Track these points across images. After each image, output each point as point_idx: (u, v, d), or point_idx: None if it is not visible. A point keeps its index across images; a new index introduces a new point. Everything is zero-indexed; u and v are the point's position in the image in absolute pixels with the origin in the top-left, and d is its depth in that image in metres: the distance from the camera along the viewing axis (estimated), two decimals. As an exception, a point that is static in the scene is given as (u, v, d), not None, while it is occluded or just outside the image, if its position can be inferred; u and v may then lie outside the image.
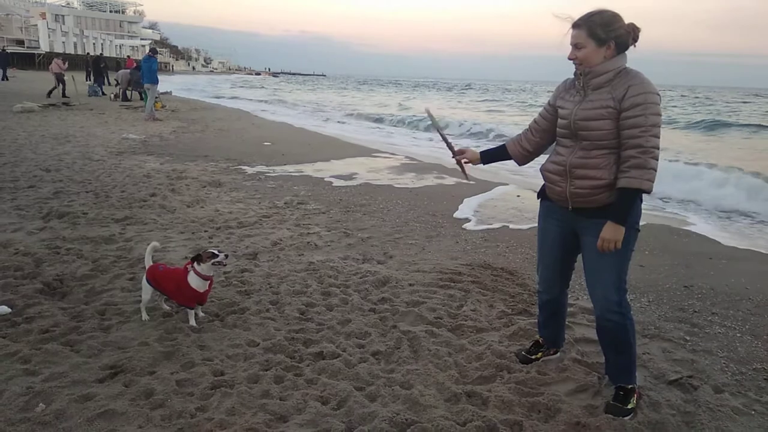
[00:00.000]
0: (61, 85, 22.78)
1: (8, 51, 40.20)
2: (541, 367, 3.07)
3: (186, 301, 3.43)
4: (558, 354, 3.20)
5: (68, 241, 4.92)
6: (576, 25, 2.50)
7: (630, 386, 2.71)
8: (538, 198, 2.95)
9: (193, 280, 3.35)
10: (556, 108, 2.73)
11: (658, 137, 2.38)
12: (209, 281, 3.44)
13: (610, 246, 2.47)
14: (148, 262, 3.53)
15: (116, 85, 23.06)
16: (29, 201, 6.22)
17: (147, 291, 3.47)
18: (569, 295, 3.63)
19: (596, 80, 2.49)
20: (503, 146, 3.04)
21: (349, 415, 2.58)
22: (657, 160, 2.38)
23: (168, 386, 2.73)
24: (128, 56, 38.82)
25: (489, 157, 3.07)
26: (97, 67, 27.37)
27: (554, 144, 2.82)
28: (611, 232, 2.45)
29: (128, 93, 22.62)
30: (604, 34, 2.43)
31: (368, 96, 45.54)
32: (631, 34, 2.47)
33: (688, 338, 3.59)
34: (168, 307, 3.64)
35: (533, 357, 3.14)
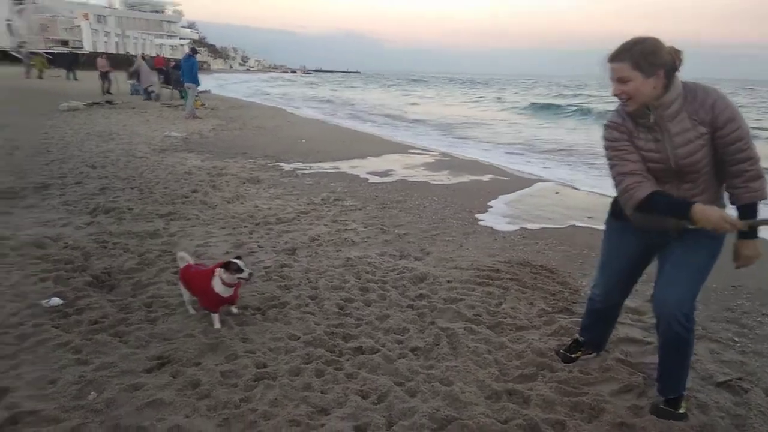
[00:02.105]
0: (106, 82, 23.49)
1: (75, 52, 41.66)
2: (584, 367, 3.02)
3: (208, 304, 3.39)
4: (595, 354, 3.14)
5: (115, 235, 5.07)
6: (616, 58, 2.31)
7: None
8: (614, 218, 2.75)
9: (217, 285, 3.32)
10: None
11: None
12: (234, 288, 3.40)
13: (751, 263, 2.41)
14: (181, 265, 3.59)
15: (149, 92, 22.72)
16: (77, 197, 6.43)
17: (184, 291, 3.55)
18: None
19: (669, 111, 2.34)
20: (670, 196, 2.43)
21: (389, 409, 2.59)
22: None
23: (213, 377, 2.79)
24: (157, 54, 38.86)
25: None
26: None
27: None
28: (753, 249, 2.38)
29: (155, 92, 22.74)
30: (649, 64, 2.26)
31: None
32: (675, 58, 2.30)
33: (737, 339, 3.47)
34: (194, 311, 3.56)
35: (573, 356, 3.09)
